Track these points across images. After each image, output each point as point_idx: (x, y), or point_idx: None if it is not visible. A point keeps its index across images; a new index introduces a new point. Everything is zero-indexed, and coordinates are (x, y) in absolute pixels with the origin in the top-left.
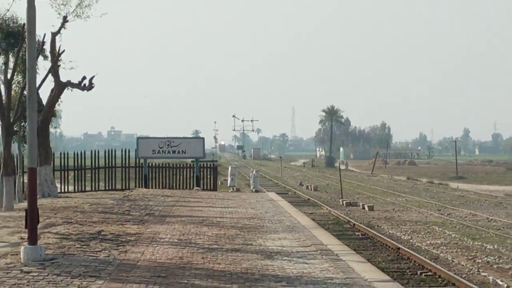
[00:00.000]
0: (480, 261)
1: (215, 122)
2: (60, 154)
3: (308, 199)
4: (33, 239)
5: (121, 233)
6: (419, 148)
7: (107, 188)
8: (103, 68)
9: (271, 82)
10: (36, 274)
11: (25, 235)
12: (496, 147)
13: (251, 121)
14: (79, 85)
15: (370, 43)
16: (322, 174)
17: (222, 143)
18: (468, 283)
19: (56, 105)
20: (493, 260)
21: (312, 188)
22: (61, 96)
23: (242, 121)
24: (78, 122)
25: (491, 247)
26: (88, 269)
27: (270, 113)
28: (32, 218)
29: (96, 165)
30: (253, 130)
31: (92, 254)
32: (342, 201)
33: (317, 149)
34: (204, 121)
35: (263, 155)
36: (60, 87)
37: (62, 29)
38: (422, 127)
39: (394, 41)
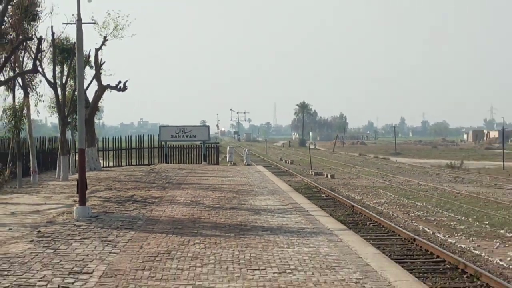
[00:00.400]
0: (413, 214)
1: (217, 114)
2: (103, 138)
3: (286, 170)
4: (82, 201)
5: (148, 196)
6: (368, 132)
7: (137, 163)
8: (134, 72)
9: (259, 83)
10: (85, 227)
11: (77, 199)
12: (424, 131)
13: (244, 113)
14: (116, 87)
15: (333, 52)
16: (297, 152)
17: (222, 129)
18: (403, 230)
19: (99, 102)
20: (422, 214)
21: (289, 162)
22: (102, 96)
23: (237, 113)
24: (116, 114)
25: (421, 204)
26: (123, 223)
27: (258, 106)
28: (82, 186)
29: (129, 147)
30: (245, 120)
31: (126, 212)
32: (311, 171)
33: (293, 133)
34: (209, 113)
35: (253, 138)
36: (102, 89)
37: (103, 45)
38: (370, 116)
39: (350, 48)
